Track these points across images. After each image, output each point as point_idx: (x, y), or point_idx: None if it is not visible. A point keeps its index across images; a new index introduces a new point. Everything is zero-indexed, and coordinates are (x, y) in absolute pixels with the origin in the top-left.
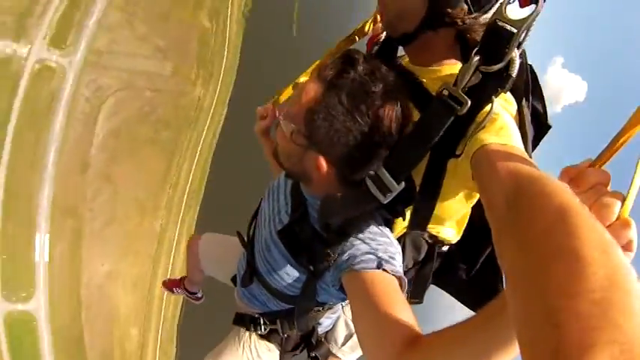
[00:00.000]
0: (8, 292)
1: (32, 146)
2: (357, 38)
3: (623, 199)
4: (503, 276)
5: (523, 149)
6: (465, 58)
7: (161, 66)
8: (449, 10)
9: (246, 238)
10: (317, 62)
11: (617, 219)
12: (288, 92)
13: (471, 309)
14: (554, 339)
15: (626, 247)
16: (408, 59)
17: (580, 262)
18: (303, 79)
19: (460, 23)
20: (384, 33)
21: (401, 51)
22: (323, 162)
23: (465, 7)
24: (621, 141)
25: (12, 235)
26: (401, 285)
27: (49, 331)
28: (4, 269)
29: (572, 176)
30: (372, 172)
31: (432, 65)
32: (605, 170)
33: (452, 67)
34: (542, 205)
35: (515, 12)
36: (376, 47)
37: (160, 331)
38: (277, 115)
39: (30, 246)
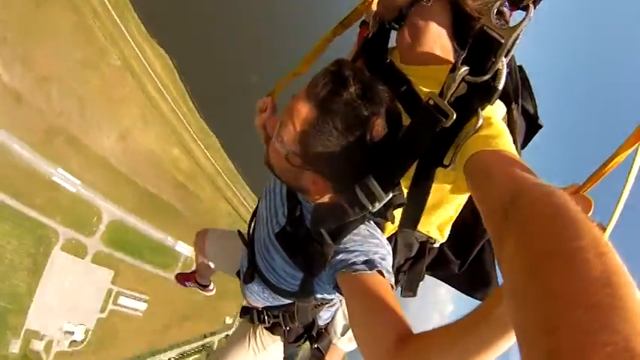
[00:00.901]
0: (86, 230)
1: None
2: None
3: (602, 231)
4: (502, 280)
5: (517, 154)
6: (460, 43)
7: None
8: None
9: (247, 237)
10: (316, 45)
11: None
12: (285, 82)
13: (462, 292)
14: (549, 344)
15: None
16: (398, 56)
17: (576, 265)
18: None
19: None
20: (373, 29)
21: (391, 43)
22: (319, 179)
23: None
24: (607, 168)
25: (43, 202)
26: (391, 284)
27: (132, 216)
28: (69, 224)
29: None
30: (362, 182)
31: (423, 62)
32: (588, 198)
33: (442, 67)
34: (539, 210)
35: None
36: (369, 34)
37: (192, 133)
38: (275, 105)
39: (60, 190)
